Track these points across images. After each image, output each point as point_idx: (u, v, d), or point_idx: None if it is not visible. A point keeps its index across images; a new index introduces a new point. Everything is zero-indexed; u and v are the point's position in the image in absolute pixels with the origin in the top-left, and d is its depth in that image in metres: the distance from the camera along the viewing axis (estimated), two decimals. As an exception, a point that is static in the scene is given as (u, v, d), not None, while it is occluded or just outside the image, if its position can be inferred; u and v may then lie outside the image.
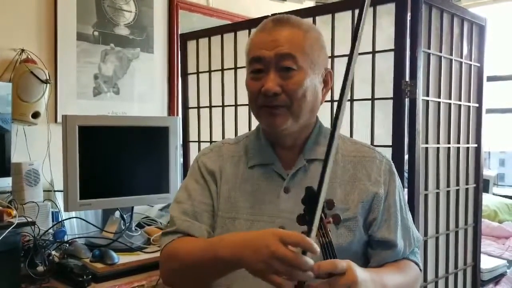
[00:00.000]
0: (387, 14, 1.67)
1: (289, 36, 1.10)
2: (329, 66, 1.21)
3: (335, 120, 0.92)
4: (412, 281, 1.19)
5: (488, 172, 4.78)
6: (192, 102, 2.39)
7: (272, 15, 1.24)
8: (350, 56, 0.91)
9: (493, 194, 4.58)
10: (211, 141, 2.30)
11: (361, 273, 0.94)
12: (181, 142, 2.44)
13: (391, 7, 1.64)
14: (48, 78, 2.20)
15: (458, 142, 1.91)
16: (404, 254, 1.20)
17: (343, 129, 1.72)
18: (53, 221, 2.11)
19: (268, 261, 0.88)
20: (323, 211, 0.97)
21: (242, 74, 2.06)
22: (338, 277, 0.91)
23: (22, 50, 2.23)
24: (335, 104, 1.79)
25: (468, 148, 1.98)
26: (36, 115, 2.18)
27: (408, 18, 1.62)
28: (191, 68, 2.33)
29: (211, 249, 1.02)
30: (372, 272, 1.01)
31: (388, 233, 1.16)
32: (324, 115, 1.30)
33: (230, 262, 0.98)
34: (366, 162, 1.19)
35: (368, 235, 1.17)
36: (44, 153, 2.25)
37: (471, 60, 1.97)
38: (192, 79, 2.35)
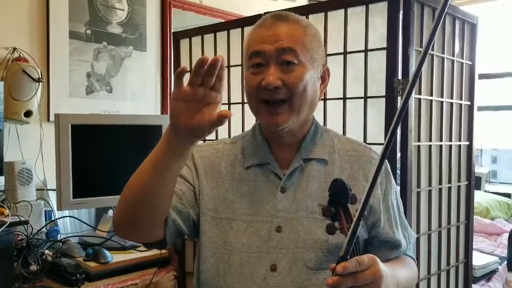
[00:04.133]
0: (379, 13, 1.67)
1: (289, 31, 1.11)
2: (326, 63, 1.21)
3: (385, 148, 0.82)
4: (414, 275, 1.24)
5: (480, 169, 4.81)
6: (185, 100, 2.37)
7: (265, 13, 1.24)
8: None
9: (485, 191, 4.62)
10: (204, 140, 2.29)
11: (383, 267, 0.95)
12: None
13: (384, 5, 1.64)
14: (40, 76, 2.19)
15: (450, 140, 1.92)
16: (405, 251, 1.24)
17: (336, 128, 1.72)
18: (46, 220, 2.11)
19: None
20: (348, 205, 0.95)
21: (236, 72, 2.07)
22: (363, 271, 0.90)
23: (14, 49, 2.22)
24: (328, 102, 1.79)
25: (460, 145, 1.99)
26: (28, 113, 2.17)
27: (401, 16, 1.63)
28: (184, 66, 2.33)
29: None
30: (388, 267, 1.00)
31: (392, 233, 1.19)
32: (317, 114, 1.30)
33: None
34: (363, 162, 1.19)
35: (370, 235, 1.18)
36: (36, 152, 2.24)
37: (462, 58, 1.98)
38: (185, 78, 2.33)
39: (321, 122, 1.77)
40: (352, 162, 1.19)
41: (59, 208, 1.98)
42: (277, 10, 1.22)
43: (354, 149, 1.21)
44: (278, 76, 1.08)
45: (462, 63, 1.98)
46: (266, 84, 1.08)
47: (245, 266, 1.10)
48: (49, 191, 2.25)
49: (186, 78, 0.96)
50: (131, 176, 1.03)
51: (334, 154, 1.19)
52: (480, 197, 4.06)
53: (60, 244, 1.97)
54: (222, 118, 0.91)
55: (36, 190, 2.15)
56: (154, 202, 1.03)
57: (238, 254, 1.11)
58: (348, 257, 0.86)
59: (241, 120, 2.03)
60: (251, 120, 1.76)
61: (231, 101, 2.09)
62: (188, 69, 0.93)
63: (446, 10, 0.76)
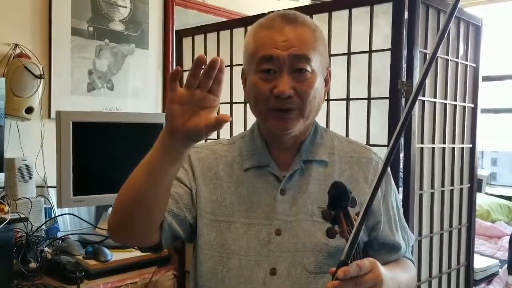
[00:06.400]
0: (384, 14, 1.66)
1: (301, 36, 1.08)
2: (329, 65, 1.19)
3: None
4: (414, 277, 1.23)
5: (481, 171, 4.79)
6: (187, 99, 2.36)
7: (269, 12, 1.23)
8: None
9: (486, 193, 4.60)
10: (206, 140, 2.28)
11: (384, 271, 0.94)
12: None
13: (388, 6, 1.64)
14: (42, 73, 2.18)
15: (453, 142, 1.91)
16: (404, 253, 1.23)
17: (339, 128, 1.71)
18: (46, 217, 2.10)
19: None
20: (348, 208, 0.94)
21: (239, 72, 2.06)
22: (364, 275, 0.90)
23: (16, 45, 2.21)
24: (331, 102, 1.79)
25: (462, 148, 1.98)
26: (29, 110, 2.16)
27: (405, 17, 1.62)
28: (187, 65, 2.31)
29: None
30: (388, 270, 1.00)
31: (392, 235, 1.18)
32: (319, 114, 1.30)
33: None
34: (363, 163, 1.18)
35: (370, 237, 1.17)
36: (37, 148, 2.23)
37: (467, 60, 1.97)
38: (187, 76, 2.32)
39: (324, 123, 1.76)
40: (352, 163, 1.17)
41: (59, 205, 1.97)
42: (276, 11, 1.19)
43: (354, 150, 1.20)
44: (291, 85, 1.06)
45: (466, 65, 1.97)
46: (279, 93, 1.06)
47: (244, 269, 1.09)
48: (49, 188, 2.24)
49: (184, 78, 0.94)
50: (126, 180, 1.02)
51: (334, 155, 1.18)
52: (481, 200, 4.04)
53: (60, 241, 1.96)
54: (220, 122, 0.88)
55: (36, 187, 2.14)
56: (149, 206, 1.01)
57: (237, 258, 1.10)
58: (349, 261, 0.85)
59: (243, 120, 2.02)
60: (253, 120, 1.75)
61: (234, 101, 2.09)
62: (184, 69, 0.91)
63: (454, 14, 0.75)
